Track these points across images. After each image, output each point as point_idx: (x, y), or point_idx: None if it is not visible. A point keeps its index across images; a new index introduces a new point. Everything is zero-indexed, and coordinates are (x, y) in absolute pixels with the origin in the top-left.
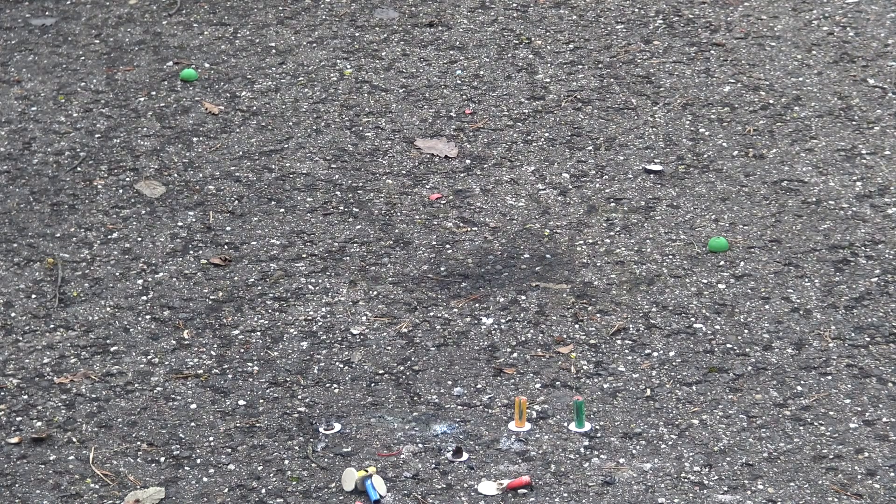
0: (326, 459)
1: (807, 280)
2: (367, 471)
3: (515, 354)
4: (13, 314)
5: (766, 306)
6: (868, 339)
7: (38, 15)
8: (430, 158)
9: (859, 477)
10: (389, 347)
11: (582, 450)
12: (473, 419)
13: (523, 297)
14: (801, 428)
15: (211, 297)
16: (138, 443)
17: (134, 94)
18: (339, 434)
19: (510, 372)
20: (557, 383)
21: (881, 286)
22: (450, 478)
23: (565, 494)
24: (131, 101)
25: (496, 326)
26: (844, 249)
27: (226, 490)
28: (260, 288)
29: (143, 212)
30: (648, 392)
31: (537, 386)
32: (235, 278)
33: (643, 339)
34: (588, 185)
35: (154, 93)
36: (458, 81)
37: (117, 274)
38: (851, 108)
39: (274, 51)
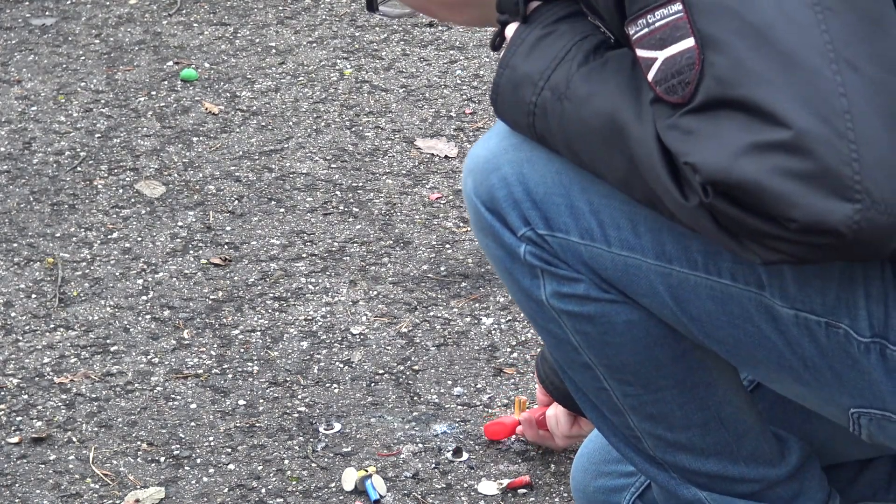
0: (326, 459)
1: None
2: (367, 471)
3: (515, 354)
4: (13, 314)
5: None
6: None
7: (38, 15)
8: (430, 158)
9: None
10: (389, 347)
11: None
12: (473, 419)
13: None
14: None
15: (211, 297)
16: (138, 443)
17: (134, 94)
18: (339, 434)
19: (510, 372)
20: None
21: None
22: (450, 478)
23: (565, 494)
24: (131, 101)
25: (496, 326)
26: None
27: (226, 490)
28: (260, 288)
29: (143, 212)
30: None
31: (537, 386)
32: (235, 278)
33: None
34: None
35: (154, 93)
36: (458, 81)
37: (117, 274)
38: None
39: (274, 51)
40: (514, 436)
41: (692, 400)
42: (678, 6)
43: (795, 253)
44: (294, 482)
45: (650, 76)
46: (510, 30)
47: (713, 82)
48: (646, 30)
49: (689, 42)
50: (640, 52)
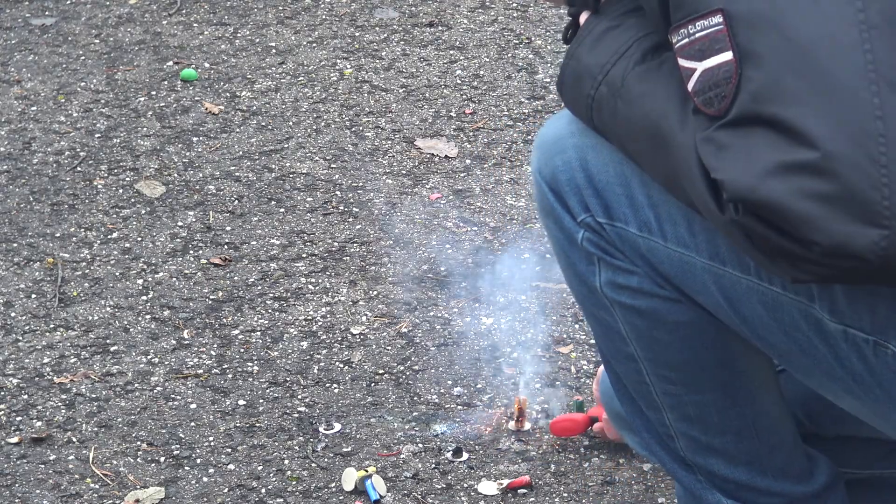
0: (326, 459)
1: None
2: (367, 471)
3: (515, 354)
4: (13, 314)
5: None
6: None
7: (38, 15)
8: (430, 158)
9: None
10: (389, 347)
11: (582, 450)
12: (473, 419)
13: (523, 297)
14: None
15: (211, 297)
16: (138, 443)
17: (134, 94)
18: (339, 434)
19: (510, 372)
20: (557, 383)
21: None
22: (450, 478)
23: (565, 494)
24: (131, 101)
25: (496, 326)
26: None
27: (226, 490)
28: (260, 288)
29: (143, 212)
30: None
31: (537, 386)
32: (235, 278)
33: None
34: None
35: (154, 93)
36: (458, 81)
37: (117, 274)
38: None
39: (274, 51)
40: (513, 436)
41: (731, 406)
42: (719, 18)
43: (821, 274)
44: (294, 482)
45: (690, 86)
46: (583, 18)
47: (748, 98)
48: (686, 40)
49: (728, 55)
50: (681, 62)
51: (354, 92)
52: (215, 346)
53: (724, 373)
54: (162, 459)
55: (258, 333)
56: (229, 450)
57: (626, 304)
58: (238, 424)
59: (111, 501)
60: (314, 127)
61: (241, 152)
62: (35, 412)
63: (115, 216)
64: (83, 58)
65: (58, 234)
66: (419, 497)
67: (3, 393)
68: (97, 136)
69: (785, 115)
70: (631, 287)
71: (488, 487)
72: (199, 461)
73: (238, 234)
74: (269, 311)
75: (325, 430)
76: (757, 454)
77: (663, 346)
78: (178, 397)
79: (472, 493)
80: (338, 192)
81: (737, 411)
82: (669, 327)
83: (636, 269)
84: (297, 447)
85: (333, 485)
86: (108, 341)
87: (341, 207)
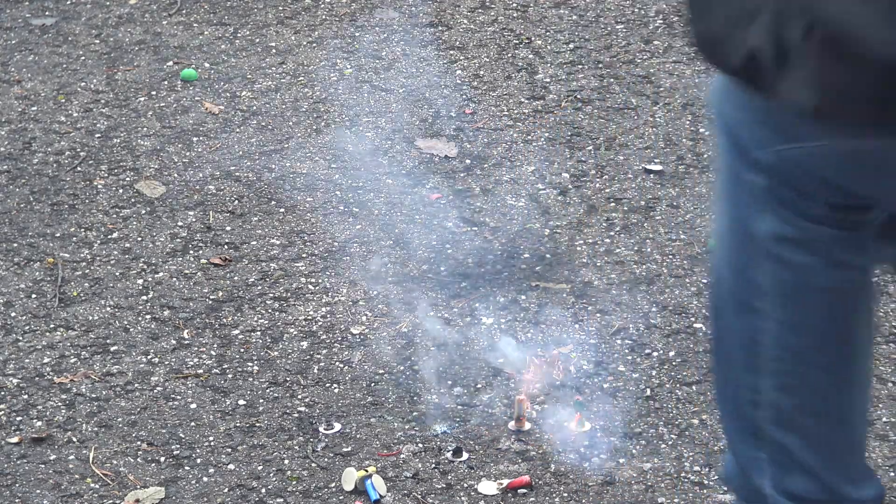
0: (326, 459)
1: None
2: (367, 471)
3: (515, 354)
4: (13, 314)
5: None
6: None
7: (38, 15)
8: (430, 158)
9: None
10: (389, 347)
11: (582, 450)
12: (473, 419)
13: (523, 297)
14: None
15: (211, 297)
16: (138, 443)
17: (134, 94)
18: (339, 434)
19: (510, 372)
20: (557, 383)
21: (880, 286)
22: (450, 478)
23: (565, 494)
24: (131, 101)
25: (496, 326)
26: None
27: (226, 490)
28: (260, 288)
29: (143, 212)
30: (648, 392)
31: (537, 386)
32: (235, 278)
33: (643, 339)
34: (588, 185)
35: (154, 93)
36: (458, 81)
37: (117, 274)
38: None
39: (274, 51)
40: (513, 436)
41: (833, 392)
42: None
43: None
44: (294, 482)
45: None
46: None
47: None
48: None
49: None
50: None
51: (354, 92)
52: (215, 346)
53: (843, 354)
54: (162, 459)
55: (258, 333)
56: (229, 450)
57: (784, 257)
58: (238, 424)
59: (111, 501)
60: (314, 127)
61: (241, 152)
62: (35, 412)
63: (115, 216)
64: (83, 58)
65: (58, 234)
66: (419, 497)
67: (3, 393)
68: (97, 136)
69: None
70: (795, 239)
71: (488, 487)
72: (199, 461)
73: (238, 234)
74: (269, 311)
75: (325, 430)
76: (832, 443)
77: (801, 307)
78: (178, 397)
79: (472, 493)
80: (338, 192)
81: (835, 398)
82: (817, 290)
83: (810, 209)
84: (297, 447)
85: (333, 485)
86: (108, 341)
87: (341, 207)
